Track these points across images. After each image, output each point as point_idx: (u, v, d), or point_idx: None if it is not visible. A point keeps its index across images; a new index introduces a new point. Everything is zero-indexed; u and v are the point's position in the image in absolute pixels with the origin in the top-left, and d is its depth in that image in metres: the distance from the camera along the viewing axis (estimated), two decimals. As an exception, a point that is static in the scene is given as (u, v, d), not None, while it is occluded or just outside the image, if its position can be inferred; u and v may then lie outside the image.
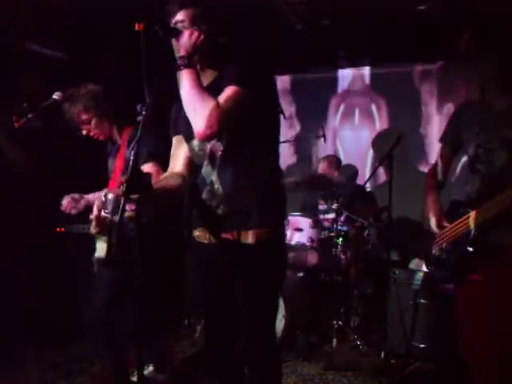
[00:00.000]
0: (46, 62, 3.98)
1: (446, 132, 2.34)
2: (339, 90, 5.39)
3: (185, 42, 1.69)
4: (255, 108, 1.70)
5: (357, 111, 5.33)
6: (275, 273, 1.87)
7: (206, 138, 1.74)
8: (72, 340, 2.85)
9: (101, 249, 2.60)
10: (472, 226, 2.07)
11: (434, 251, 2.28)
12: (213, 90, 1.73)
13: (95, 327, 2.59)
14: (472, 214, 2.08)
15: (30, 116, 2.50)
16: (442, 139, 2.36)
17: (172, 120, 2.00)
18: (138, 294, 1.69)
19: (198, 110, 1.65)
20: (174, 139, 1.99)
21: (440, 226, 2.21)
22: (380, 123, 5.22)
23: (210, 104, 1.65)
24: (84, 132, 2.71)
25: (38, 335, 3.36)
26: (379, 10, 3.86)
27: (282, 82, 5.44)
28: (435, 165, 2.38)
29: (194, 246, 1.95)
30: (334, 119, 5.41)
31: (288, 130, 5.30)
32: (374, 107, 5.25)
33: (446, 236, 2.20)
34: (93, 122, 2.67)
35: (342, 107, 5.39)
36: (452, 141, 2.30)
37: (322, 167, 4.48)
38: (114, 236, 1.82)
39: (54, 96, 2.57)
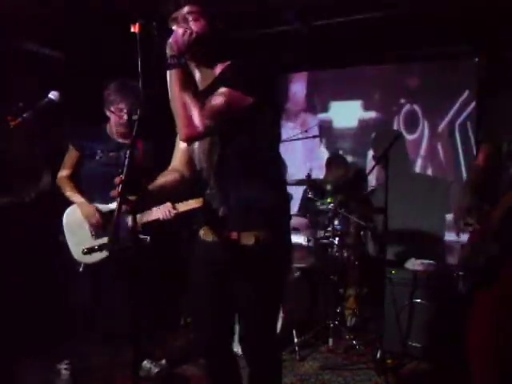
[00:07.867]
0: (42, 61, 3.96)
1: (488, 128, 2.27)
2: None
3: (177, 40, 1.64)
4: (251, 110, 1.69)
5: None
6: (275, 274, 1.86)
7: (188, 140, 1.75)
8: (69, 338, 2.84)
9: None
10: (493, 224, 1.98)
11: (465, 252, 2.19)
12: (210, 92, 1.72)
13: None
14: (493, 212, 2.00)
15: (25, 115, 2.48)
16: (484, 136, 2.25)
17: None
18: (134, 292, 1.69)
19: (181, 111, 1.64)
20: (178, 137, 1.98)
21: (465, 224, 2.12)
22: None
23: (193, 106, 1.63)
24: None
25: (38, 334, 3.35)
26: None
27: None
28: (477, 162, 2.26)
29: (199, 244, 1.96)
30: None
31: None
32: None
33: (474, 235, 2.10)
34: None
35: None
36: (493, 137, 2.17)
37: (327, 166, 4.46)
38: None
39: (50, 95, 2.56)
